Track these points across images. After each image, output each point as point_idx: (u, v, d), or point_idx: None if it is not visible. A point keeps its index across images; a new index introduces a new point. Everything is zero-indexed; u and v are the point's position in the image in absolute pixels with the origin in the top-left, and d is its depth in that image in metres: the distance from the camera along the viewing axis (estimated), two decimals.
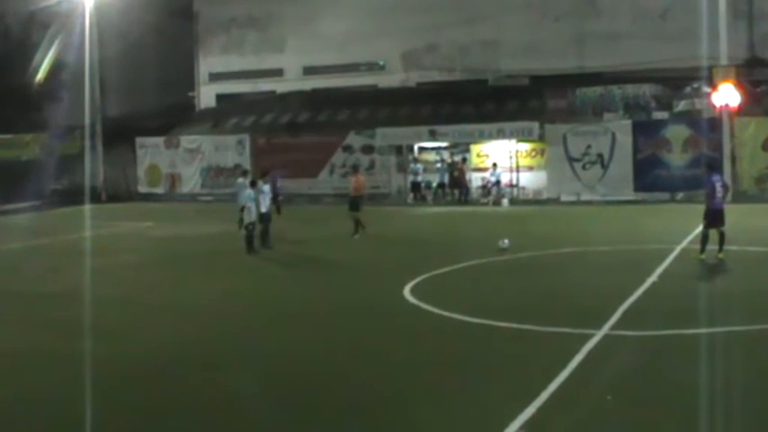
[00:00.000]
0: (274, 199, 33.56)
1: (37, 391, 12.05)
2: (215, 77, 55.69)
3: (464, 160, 41.83)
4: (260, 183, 26.88)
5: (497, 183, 40.39)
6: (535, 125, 39.51)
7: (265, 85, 53.67)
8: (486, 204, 38.85)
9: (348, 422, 10.42)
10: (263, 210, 25.71)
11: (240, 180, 30.43)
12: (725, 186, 21.89)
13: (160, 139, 48.41)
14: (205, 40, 56.18)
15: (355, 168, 34.73)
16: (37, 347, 14.43)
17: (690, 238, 23.47)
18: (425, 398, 11.07)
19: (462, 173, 41.12)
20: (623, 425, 10.01)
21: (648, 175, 37.63)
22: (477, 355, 13.12)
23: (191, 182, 47.39)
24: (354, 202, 29.21)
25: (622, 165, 37.95)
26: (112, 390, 11.72)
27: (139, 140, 48.67)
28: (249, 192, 25.98)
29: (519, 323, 14.82)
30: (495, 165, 40.12)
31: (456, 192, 41.33)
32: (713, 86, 36.33)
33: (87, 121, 47.90)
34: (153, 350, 14.03)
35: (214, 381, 12.23)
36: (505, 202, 38.96)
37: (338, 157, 43.79)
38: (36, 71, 49.54)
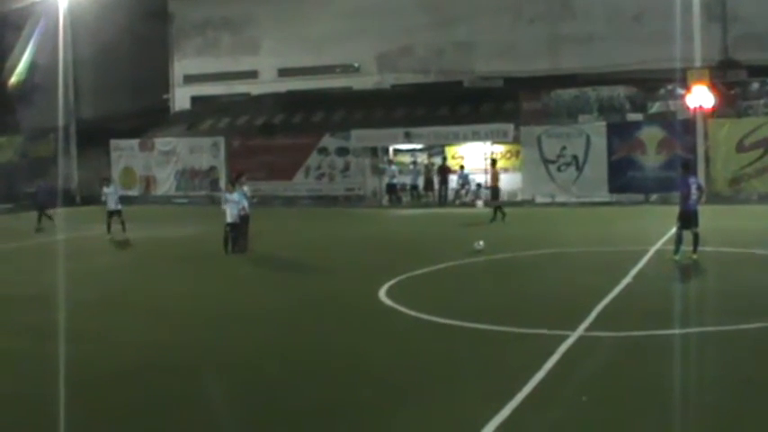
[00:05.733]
0: (42, 208, 33.67)
1: (7, 394, 11.93)
2: (189, 79, 55.52)
3: (444, 160, 41.96)
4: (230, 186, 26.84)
5: (474, 184, 40.75)
6: (510, 127, 39.62)
7: (240, 87, 53.59)
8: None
9: (321, 425, 10.35)
10: (238, 212, 25.41)
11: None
12: (700, 188, 22.00)
13: (135, 142, 48.26)
14: (180, 42, 56.02)
15: (494, 162, 35.49)
16: (9, 350, 14.29)
17: (664, 239, 23.59)
18: (399, 400, 11.03)
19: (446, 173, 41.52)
20: (598, 425, 10.01)
21: (623, 177, 37.83)
22: (451, 357, 13.09)
23: (165, 184, 47.21)
24: (494, 192, 32.72)
25: (597, 166, 38.15)
26: (82, 393, 11.58)
27: (114, 143, 48.47)
28: (227, 194, 25.93)
29: (494, 324, 14.79)
30: (461, 167, 40.81)
31: (430, 193, 41.60)
32: (687, 88, 36.59)
33: (61, 123, 47.65)
34: (125, 353, 13.90)
35: (186, 383, 12.12)
36: (480, 203, 39.06)
37: (313, 159, 43.75)
38: (9, 73, 49.19)
